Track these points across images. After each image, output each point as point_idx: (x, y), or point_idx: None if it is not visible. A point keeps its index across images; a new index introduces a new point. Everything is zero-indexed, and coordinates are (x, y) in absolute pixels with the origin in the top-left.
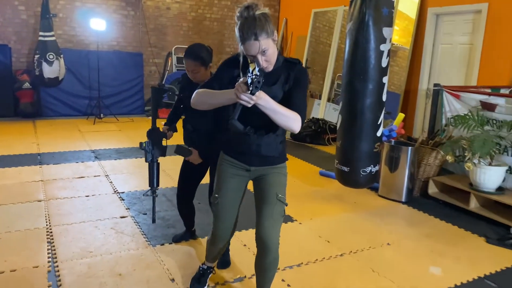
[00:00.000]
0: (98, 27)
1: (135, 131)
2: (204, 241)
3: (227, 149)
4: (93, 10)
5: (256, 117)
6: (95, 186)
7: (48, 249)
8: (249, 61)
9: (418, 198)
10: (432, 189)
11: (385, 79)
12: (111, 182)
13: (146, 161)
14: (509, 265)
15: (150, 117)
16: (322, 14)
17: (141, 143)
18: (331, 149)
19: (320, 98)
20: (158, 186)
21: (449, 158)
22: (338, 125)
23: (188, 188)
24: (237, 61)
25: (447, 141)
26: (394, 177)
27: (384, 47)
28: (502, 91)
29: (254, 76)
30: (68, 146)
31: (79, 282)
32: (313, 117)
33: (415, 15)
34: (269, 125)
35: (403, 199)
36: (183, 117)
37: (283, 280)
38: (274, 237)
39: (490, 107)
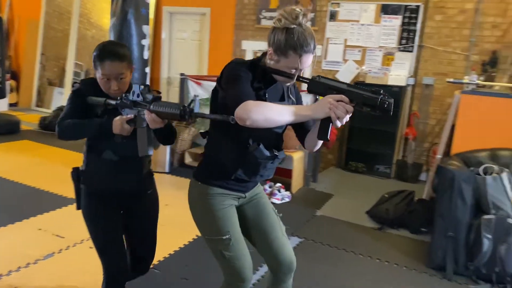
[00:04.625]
0: None
1: None
2: None
3: (219, 178)
4: None
5: (276, 136)
6: None
7: None
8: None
9: (178, 168)
10: (188, 159)
11: (147, 69)
12: None
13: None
14: None
15: None
16: None
17: None
18: None
19: (60, 86)
20: None
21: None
22: None
23: (122, 248)
24: (253, 71)
25: (198, 119)
26: (157, 152)
27: (145, 42)
28: None
29: (386, 97)
30: None
31: None
32: (57, 107)
33: (152, 13)
34: (281, 144)
35: (167, 170)
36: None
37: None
38: (294, 254)
39: None
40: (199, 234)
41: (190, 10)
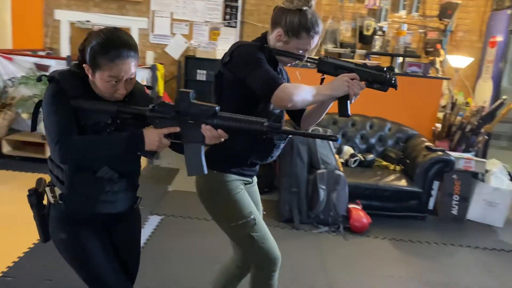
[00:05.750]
0: None
1: None
2: None
3: (235, 165)
4: None
5: (281, 116)
6: None
7: None
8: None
9: None
10: (6, 148)
11: None
12: None
13: None
14: None
15: None
16: None
17: None
18: None
19: None
20: None
21: (25, 115)
22: None
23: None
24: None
25: (19, 101)
26: None
27: None
28: (40, 53)
29: (392, 73)
30: None
31: None
32: None
33: None
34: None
35: None
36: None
37: None
38: None
39: (44, 68)
40: None
41: None
